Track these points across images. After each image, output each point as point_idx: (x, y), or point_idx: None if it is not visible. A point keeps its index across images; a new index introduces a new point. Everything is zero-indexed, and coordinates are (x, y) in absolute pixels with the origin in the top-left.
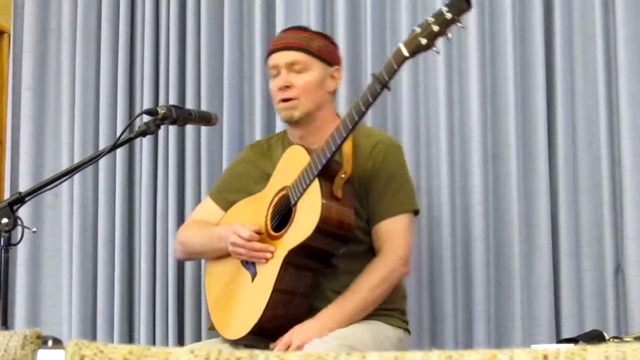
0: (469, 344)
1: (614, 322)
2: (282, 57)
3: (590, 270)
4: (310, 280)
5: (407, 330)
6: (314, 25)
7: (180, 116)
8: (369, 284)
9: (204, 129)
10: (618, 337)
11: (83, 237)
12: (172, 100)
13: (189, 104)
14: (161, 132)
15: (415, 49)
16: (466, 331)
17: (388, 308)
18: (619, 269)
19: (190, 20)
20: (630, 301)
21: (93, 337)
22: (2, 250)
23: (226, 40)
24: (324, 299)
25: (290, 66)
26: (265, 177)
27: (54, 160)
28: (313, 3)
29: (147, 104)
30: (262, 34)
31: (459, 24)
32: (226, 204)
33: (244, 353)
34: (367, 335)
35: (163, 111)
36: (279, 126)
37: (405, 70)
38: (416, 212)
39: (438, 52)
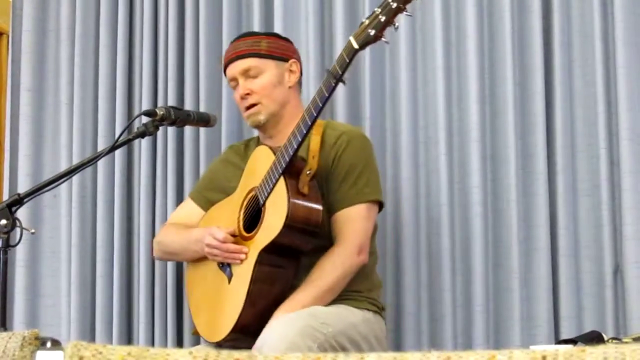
0: (467, 345)
1: (613, 323)
2: (235, 67)
3: (589, 271)
4: (284, 277)
5: (379, 314)
6: (312, 27)
7: (179, 117)
8: (321, 273)
9: (202, 130)
10: (617, 338)
11: (82, 238)
12: (171, 102)
13: (188, 105)
14: (160, 134)
15: (365, 41)
16: (465, 332)
17: (355, 294)
18: (617, 270)
19: (188, 21)
20: (629, 302)
21: (92, 338)
22: (1, 252)
23: (225, 41)
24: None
25: (245, 73)
26: (238, 177)
27: (53, 161)
28: (312, 3)
29: (145, 105)
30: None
31: (405, 12)
32: (206, 204)
33: (243, 354)
34: (333, 312)
35: (162, 112)
36: None
37: (403, 71)
38: (380, 204)
39: (387, 42)
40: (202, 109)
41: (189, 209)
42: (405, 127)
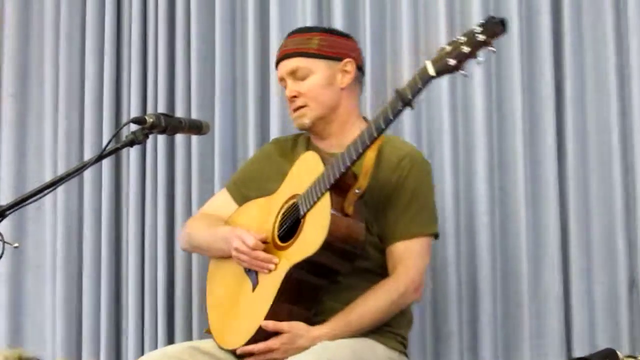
0: None
1: (628, 340)
2: (283, 68)
3: (602, 284)
4: (312, 297)
5: (404, 354)
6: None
7: (169, 125)
8: (376, 308)
9: (194, 138)
10: (633, 356)
11: (67, 251)
12: (161, 108)
13: (179, 112)
14: (149, 142)
15: (443, 69)
16: (472, 349)
17: (385, 329)
18: (633, 284)
19: (179, 22)
20: None
21: (78, 356)
22: None
23: (217, 43)
24: (323, 313)
25: (293, 74)
26: (281, 178)
27: (37, 171)
28: (309, 1)
29: (134, 112)
30: (255, 35)
31: (490, 48)
32: (242, 200)
33: None
34: (347, 349)
35: (151, 119)
36: (274, 134)
37: (405, 74)
38: (436, 236)
39: (466, 75)
40: (194, 115)
41: (224, 200)
42: (408, 133)
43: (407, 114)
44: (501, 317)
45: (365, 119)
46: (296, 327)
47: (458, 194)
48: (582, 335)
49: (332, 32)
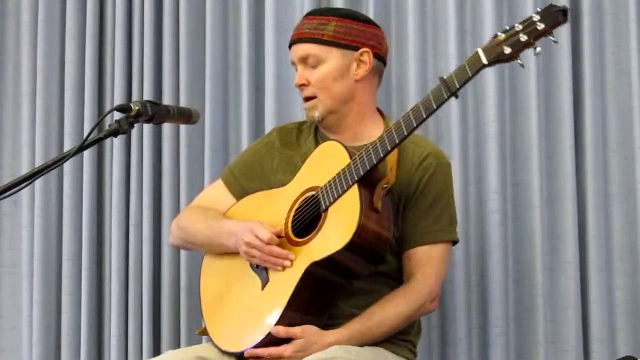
0: None
1: None
2: (294, 52)
3: (623, 287)
4: (329, 297)
5: None
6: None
7: (156, 113)
8: (395, 317)
9: (183, 127)
10: None
11: (46, 250)
12: (147, 95)
13: (167, 100)
14: (134, 131)
15: (497, 58)
16: (482, 357)
17: (397, 338)
18: None
19: (167, 3)
20: None
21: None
22: None
23: (208, 25)
24: (336, 317)
25: (304, 61)
26: (288, 168)
27: (13, 162)
28: None
29: (118, 100)
30: (249, 16)
31: (551, 37)
32: (240, 192)
33: None
34: (360, 357)
35: (137, 107)
36: (269, 124)
37: (411, 62)
38: (454, 242)
39: (523, 66)
40: (182, 103)
41: (219, 193)
42: None
43: (412, 103)
44: (513, 322)
45: (380, 112)
46: (309, 332)
47: (467, 190)
48: (600, 342)
49: (351, 16)
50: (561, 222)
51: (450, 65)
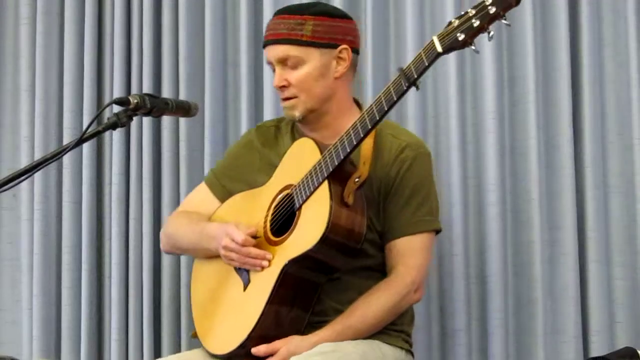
0: None
1: None
2: (272, 53)
3: (622, 278)
4: (310, 295)
5: (410, 353)
6: None
7: (155, 106)
8: (378, 311)
9: (182, 120)
10: None
11: (45, 243)
12: (146, 89)
13: (166, 92)
14: (134, 125)
15: (451, 45)
16: (481, 349)
17: (390, 328)
18: None
19: None
20: None
21: (57, 357)
22: None
23: (207, 18)
24: (322, 314)
25: (283, 62)
26: (269, 168)
27: (12, 156)
28: None
29: (117, 93)
30: (248, 11)
31: (504, 21)
32: (223, 194)
33: None
34: (356, 352)
35: (136, 100)
36: (268, 117)
37: (410, 53)
38: (438, 231)
39: (477, 52)
40: (181, 96)
41: (203, 196)
42: (412, 116)
43: (411, 96)
44: (513, 314)
45: (357, 102)
46: (289, 341)
47: (466, 182)
48: (600, 333)
49: (327, 14)
50: (560, 214)
51: (450, 55)
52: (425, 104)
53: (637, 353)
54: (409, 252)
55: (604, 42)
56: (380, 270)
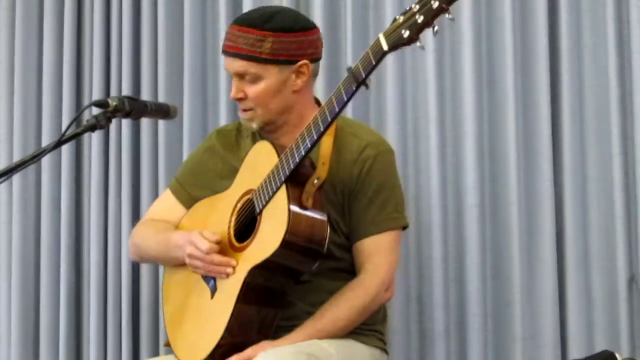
0: None
1: (628, 341)
2: (230, 65)
3: (600, 282)
4: (277, 300)
5: (385, 351)
6: (286, 4)
7: (134, 108)
8: (347, 313)
9: (162, 123)
10: (632, 359)
11: (23, 244)
12: (126, 91)
13: (145, 95)
14: (113, 127)
15: (396, 42)
16: (459, 352)
17: (363, 328)
18: (632, 281)
19: None
20: None
21: (35, 358)
22: None
23: (186, 21)
24: (294, 318)
25: (241, 76)
26: (231, 172)
27: None
28: None
29: (96, 95)
30: (227, 14)
31: (447, 15)
32: (189, 200)
33: None
34: (331, 347)
35: (115, 103)
36: None
37: (389, 56)
38: (404, 227)
39: (423, 48)
40: (160, 98)
41: (169, 204)
42: (392, 119)
43: (390, 100)
44: (491, 318)
45: (318, 102)
46: (260, 348)
47: (445, 185)
48: (578, 336)
49: (286, 30)
50: (539, 219)
51: (429, 60)
52: (405, 108)
53: (616, 356)
54: (376, 251)
55: (583, 47)
56: (350, 271)
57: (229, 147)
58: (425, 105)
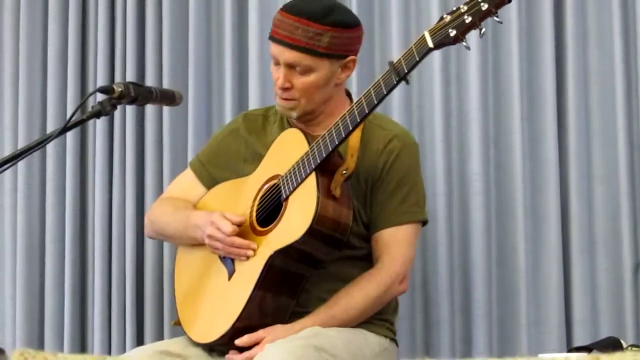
0: (467, 354)
1: (633, 327)
2: (282, 55)
3: (605, 269)
4: (295, 286)
5: (394, 341)
6: None
7: (139, 95)
8: (360, 302)
9: (166, 109)
10: (637, 346)
11: (28, 232)
12: (130, 78)
13: (150, 81)
14: (117, 113)
15: (442, 41)
16: (465, 339)
17: (374, 317)
18: (638, 268)
19: None
20: None
21: (40, 345)
22: None
23: (192, 7)
24: (308, 304)
25: (291, 66)
26: (256, 157)
27: None
28: None
29: (101, 82)
30: (232, 2)
31: (495, 17)
32: (209, 180)
33: None
34: (339, 338)
35: (120, 89)
36: (253, 106)
37: (395, 43)
38: (424, 223)
39: (469, 48)
40: (165, 85)
41: (189, 183)
42: (397, 106)
43: (398, 91)
44: (496, 304)
45: (348, 94)
46: (274, 330)
47: (451, 172)
48: (583, 323)
49: (344, 25)
50: (544, 205)
51: (434, 58)
52: (410, 95)
53: (621, 343)
54: (394, 243)
55: (589, 34)
56: (366, 260)
57: (255, 131)
58: (431, 92)
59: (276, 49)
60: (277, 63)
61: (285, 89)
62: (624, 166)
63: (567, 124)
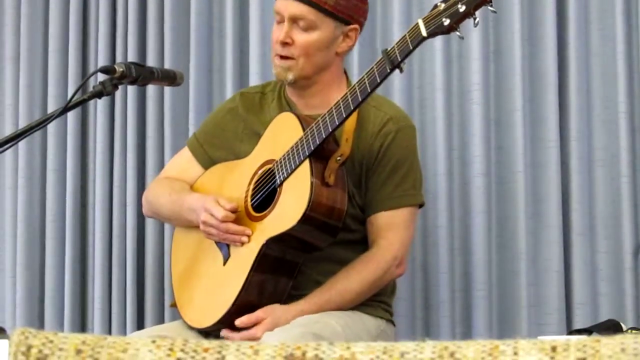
0: (467, 335)
1: (633, 310)
2: (286, 7)
3: (605, 251)
4: (289, 271)
5: (391, 322)
6: None
7: (140, 75)
8: (357, 286)
9: (167, 89)
10: (637, 328)
11: (29, 212)
12: (131, 57)
13: (151, 62)
14: (119, 93)
15: (436, 30)
16: (465, 320)
17: (371, 299)
18: (638, 251)
19: None
20: None
21: (40, 324)
22: None
23: None
24: (303, 287)
25: (294, 20)
26: (253, 136)
27: None
28: None
29: (102, 62)
30: None
31: (489, 6)
32: (206, 160)
33: (213, 343)
34: (338, 324)
35: (121, 69)
36: None
37: (396, 24)
38: (421, 205)
39: (462, 38)
40: (167, 65)
41: (186, 163)
42: (398, 86)
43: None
44: (496, 286)
45: (346, 73)
46: (272, 310)
47: (451, 154)
48: (583, 306)
49: None
50: (544, 187)
51: (435, 38)
52: (411, 75)
53: (621, 325)
54: (391, 226)
55: (590, 15)
56: (362, 243)
57: (252, 109)
58: (432, 72)
59: (282, 3)
60: (280, 21)
61: (285, 45)
62: (625, 149)
63: (568, 106)
